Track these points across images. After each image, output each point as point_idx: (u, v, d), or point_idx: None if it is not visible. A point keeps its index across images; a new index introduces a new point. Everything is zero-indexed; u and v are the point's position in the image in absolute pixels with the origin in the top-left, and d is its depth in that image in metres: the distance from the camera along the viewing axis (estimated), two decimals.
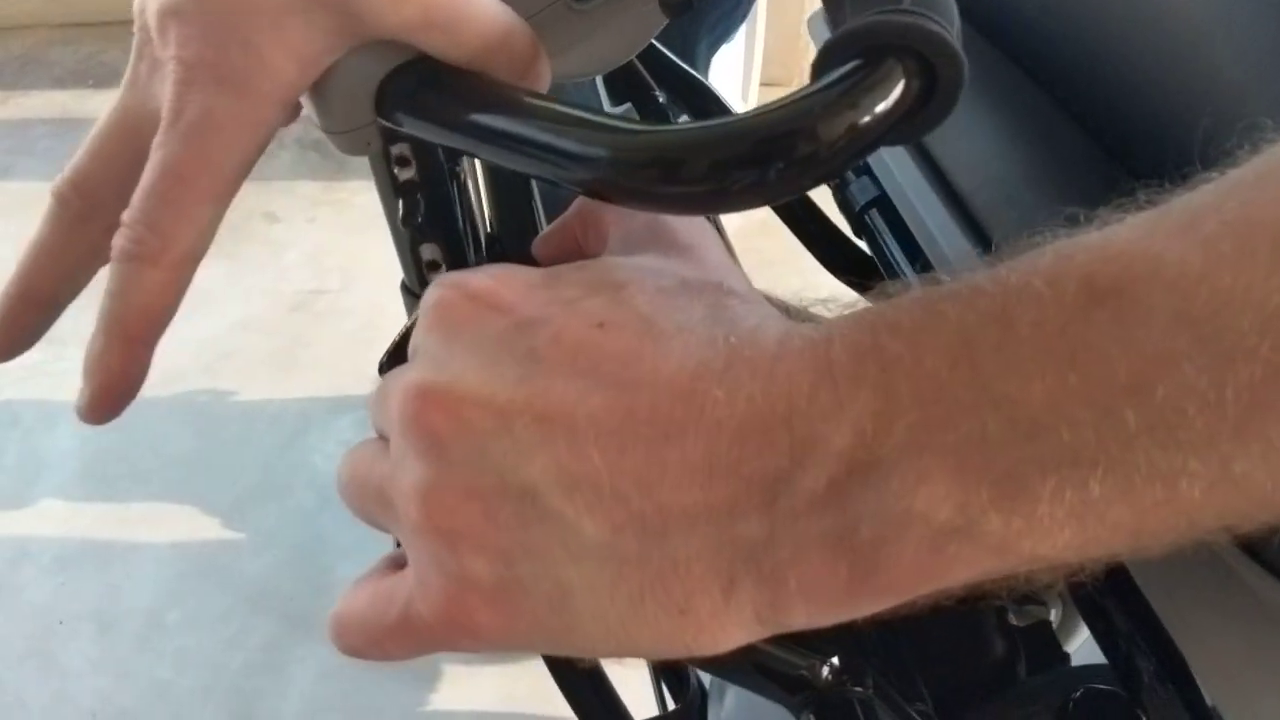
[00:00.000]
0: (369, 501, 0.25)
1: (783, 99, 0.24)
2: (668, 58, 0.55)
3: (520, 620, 0.22)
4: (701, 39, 0.85)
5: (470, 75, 0.28)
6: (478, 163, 0.42)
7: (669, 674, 0.75)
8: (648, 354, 0.21)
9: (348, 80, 0.28)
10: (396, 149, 0.33)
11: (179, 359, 1.45)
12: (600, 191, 0.25)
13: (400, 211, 0.35)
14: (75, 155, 0.29)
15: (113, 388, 0.29)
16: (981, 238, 0.46)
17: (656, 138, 0.24)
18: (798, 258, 0.58)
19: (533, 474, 0.21)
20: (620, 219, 0.29)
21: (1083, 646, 0.71)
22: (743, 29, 1.52)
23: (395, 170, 0.33)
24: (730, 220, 0.59)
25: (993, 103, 0.48)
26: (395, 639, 0.24)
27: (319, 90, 0.28)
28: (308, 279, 1.54)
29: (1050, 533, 0.19)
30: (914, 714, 0.40)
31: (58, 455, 1.36)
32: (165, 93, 0.27)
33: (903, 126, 0.24)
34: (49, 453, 1.37)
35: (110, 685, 1.13)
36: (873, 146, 0.24)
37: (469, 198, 0.41)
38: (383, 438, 0.25)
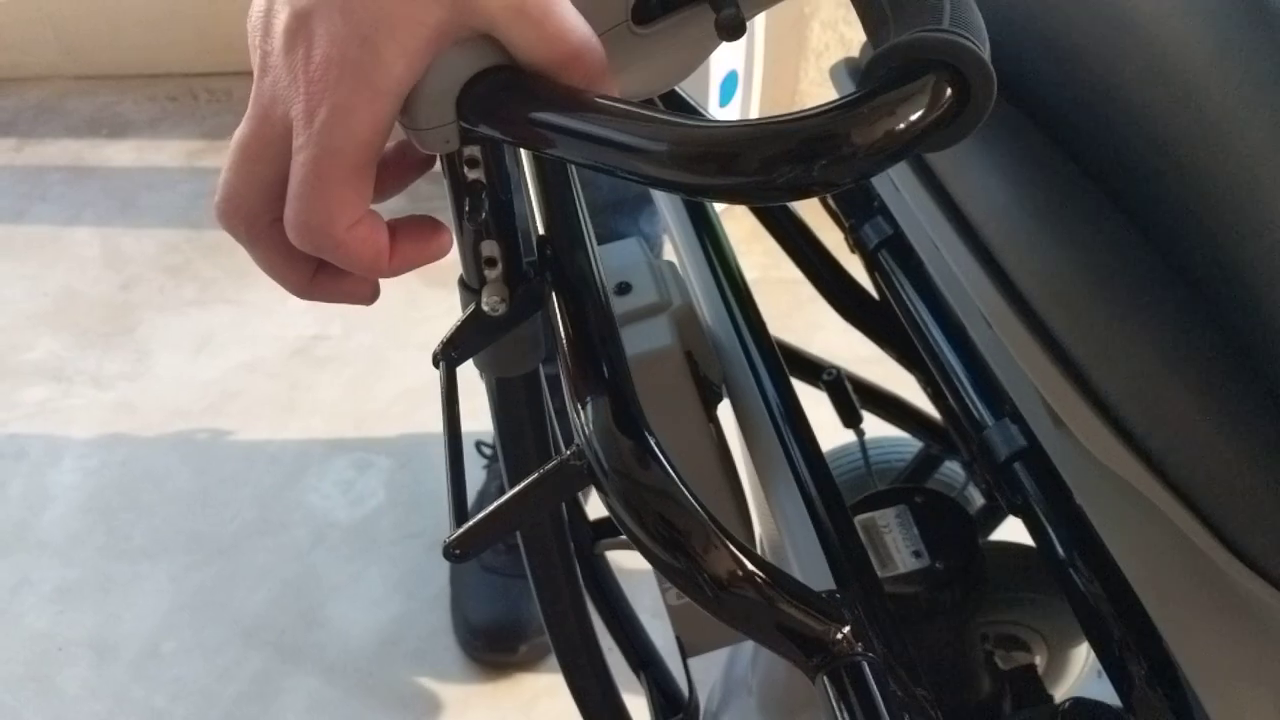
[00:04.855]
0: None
1: (828, 103, 0.27)
2: None
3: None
4: None
5: (545, 79, 0.31)
6: (528, 169, 0.46)
7: (666, 687, 0.79)
8: None
9: (436, 81, 0.31)
10: (469, 150, 0.36)
11: (183, 398, 1.51)
12: (661, 182, 0.29)
13: (466, 208, 0.38)
14: (220, 176, 0.33)
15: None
16: (993, 266, 0.51)
17: (715, 133, 0.28)
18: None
19: None
20: None
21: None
22: (740, 69, 1.58)
23: (465, 170, 0.37)
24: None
25: (1001, 147, 0.53)
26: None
27: (412, 89, 0.32)
28: (310, 325, 1.60)
29: None
30: (919, 694, 0.44)
31: (61, 489, 1.41)
32: (296, 98, 0.31)
33: (937, 133, 0.27)
34: (53, 485, 1.41)
35: (106, 711, 1.17)
36: (910, 149, 0.27)
37: (525, 201, 0.45)
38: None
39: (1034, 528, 0.56)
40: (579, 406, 0.39)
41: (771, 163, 0.27)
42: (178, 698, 1.18)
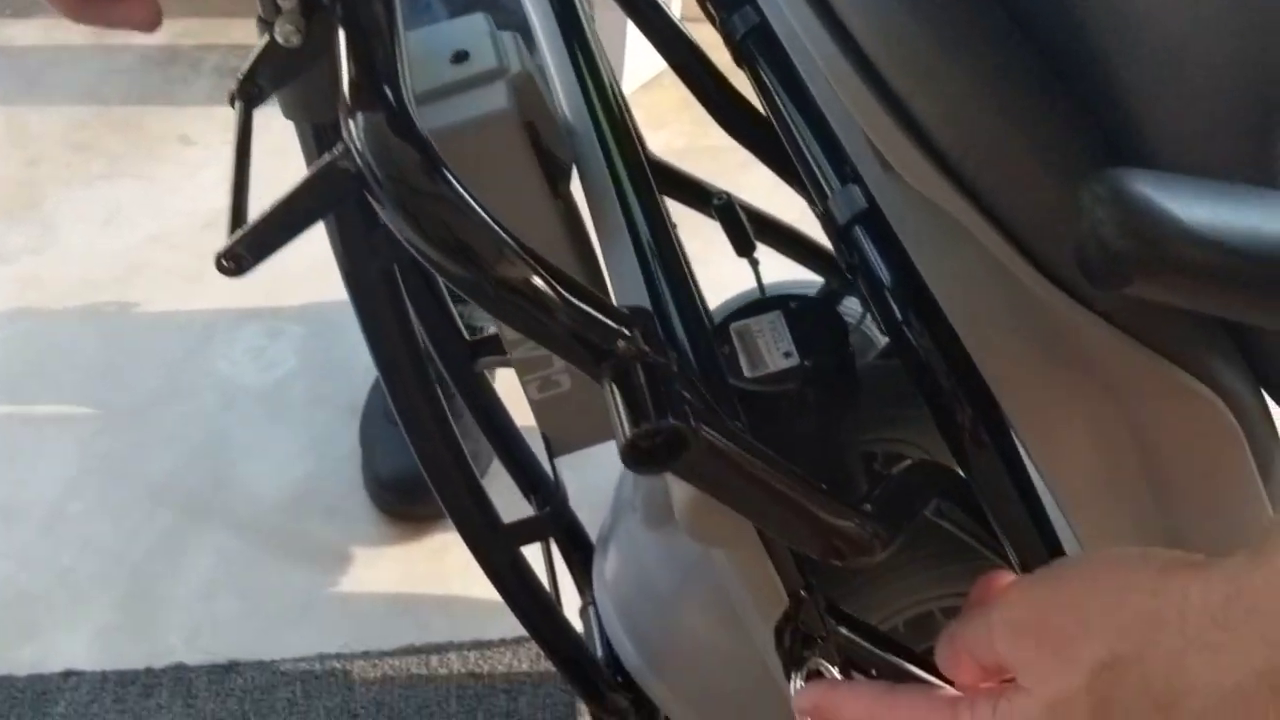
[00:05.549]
0: None
1: None
2: None
3: None
4: None
5: None
6: None
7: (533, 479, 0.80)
8: None
9: None
10: None
11: (90, 271, 1.48)
12: None
13: None
14: None
15: None
16: (864, 63, 0.50)
17: None
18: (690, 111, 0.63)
19: None
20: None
21: None
22: None
23: None
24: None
25: None
26: None
27: None
28: (221, 197, 1.56)
29: None
30: (724, 414, 0.45)
31: None
32: None
33: None
34: None
35: (11, 570, 1.16)
36: None
37: None
38: None
39: (870, 287, 0.56)
40: (350, 117, 0.38)
41: None
42: (85, 556, 1.17)
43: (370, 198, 0.40)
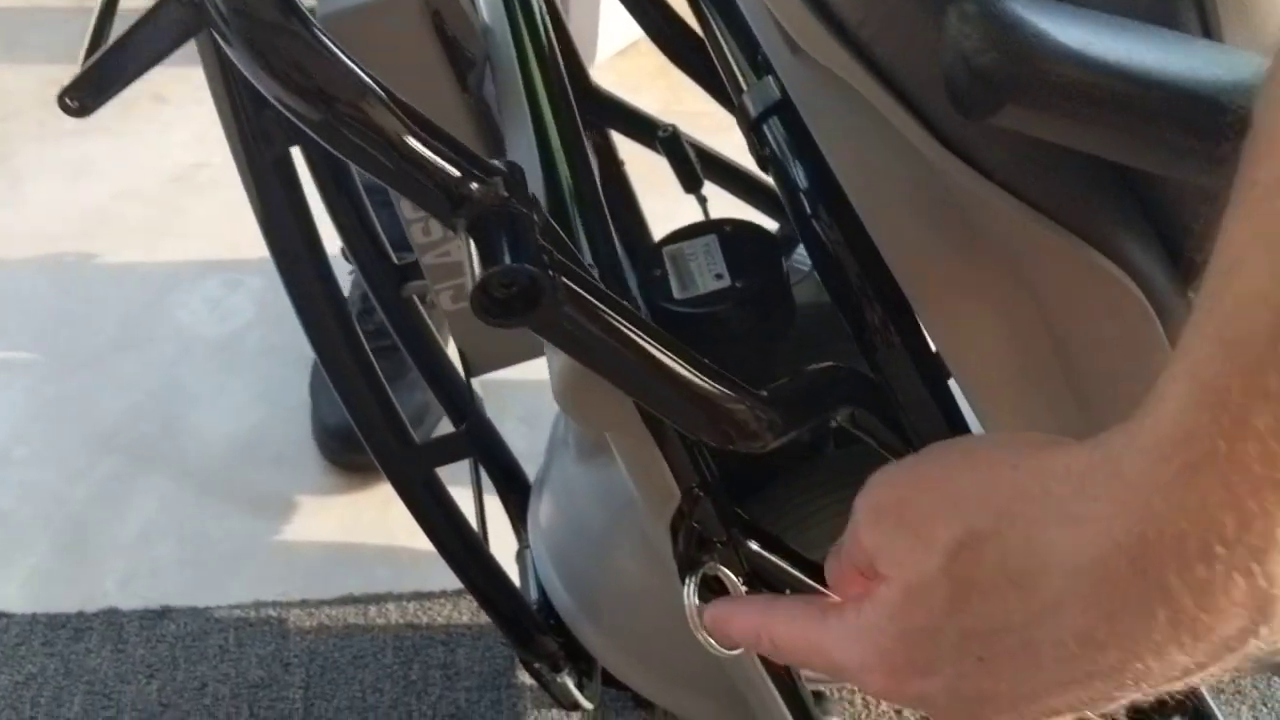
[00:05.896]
0: None
1: None
2: None
3: None
4: None
5: None
6: None
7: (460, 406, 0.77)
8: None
9: None
10: None
11: (54, 224, 1.46)
12: None
13: None
14: None
15: None
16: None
17: None
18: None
19: None
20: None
21: None
22: None
23: None
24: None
25: None
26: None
27: None
28: (191, 153, 1.55)
29: None
30: (581, 268, 0.42)
31: None
32: None
33: None
34: None
35: None
36: None
37: None
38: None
39: (781, 179, 0.54)
40: None
41: None
42: (25, 499, 1.15)
43: (215, 34, 0.37)
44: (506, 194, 0.38)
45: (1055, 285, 0.44)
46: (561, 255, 0.39)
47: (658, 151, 0.90)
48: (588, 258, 0.51)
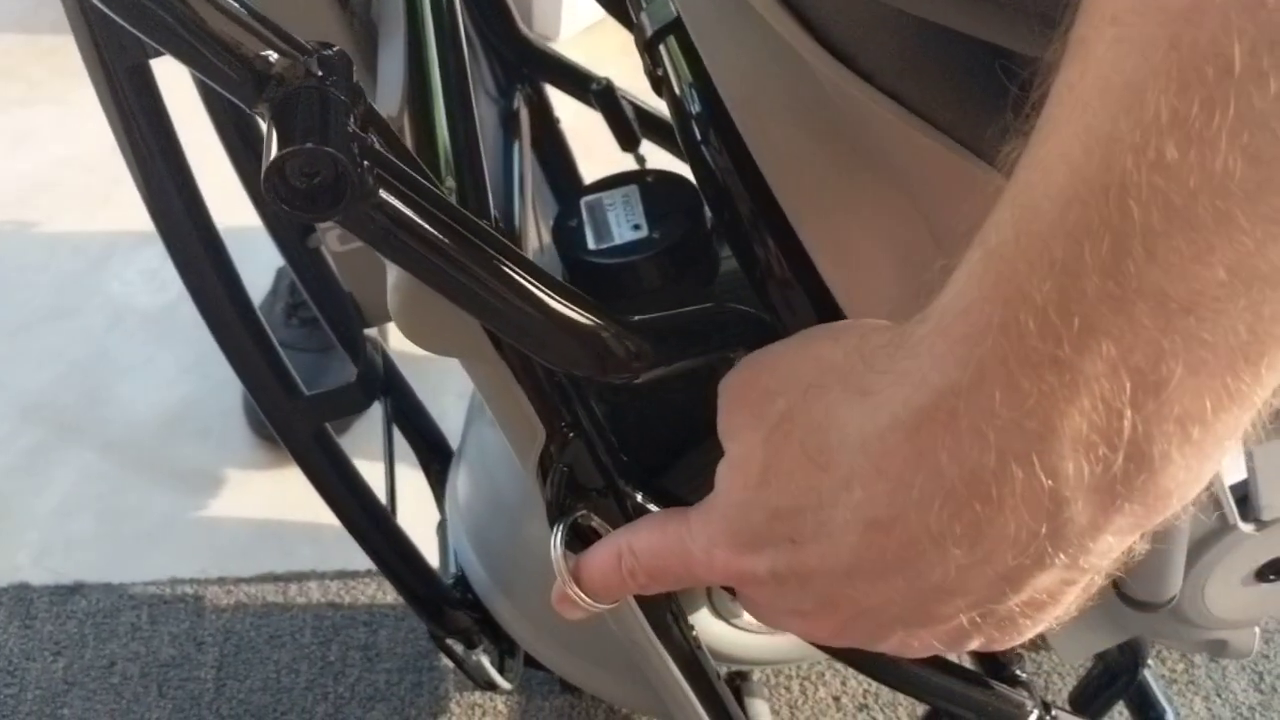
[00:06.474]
0: None
1: None
2: None
3: None
4: None
5: None
6: None
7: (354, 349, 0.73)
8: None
9: None
10: None
11: None
12: None
13: None
14: None
15: None
16: None
17: None
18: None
19: None
20: None
21: None
22: None
23: None
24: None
25: None
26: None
27: None
28: None
29: None
30: (422, 175, 0.38)
31: None
32: None
33: None
34: None
35: None
36: None
37: None
38: None
39: (672, 102, 0.50)
40: None
41: None
42: None
43: None
44: (320, 74, 0.34)
45: (941, 198, 0.40)
46: (396, 157, 0.35)
47: (593, 106, 0.86)
48: (451, 182, 0.47)
